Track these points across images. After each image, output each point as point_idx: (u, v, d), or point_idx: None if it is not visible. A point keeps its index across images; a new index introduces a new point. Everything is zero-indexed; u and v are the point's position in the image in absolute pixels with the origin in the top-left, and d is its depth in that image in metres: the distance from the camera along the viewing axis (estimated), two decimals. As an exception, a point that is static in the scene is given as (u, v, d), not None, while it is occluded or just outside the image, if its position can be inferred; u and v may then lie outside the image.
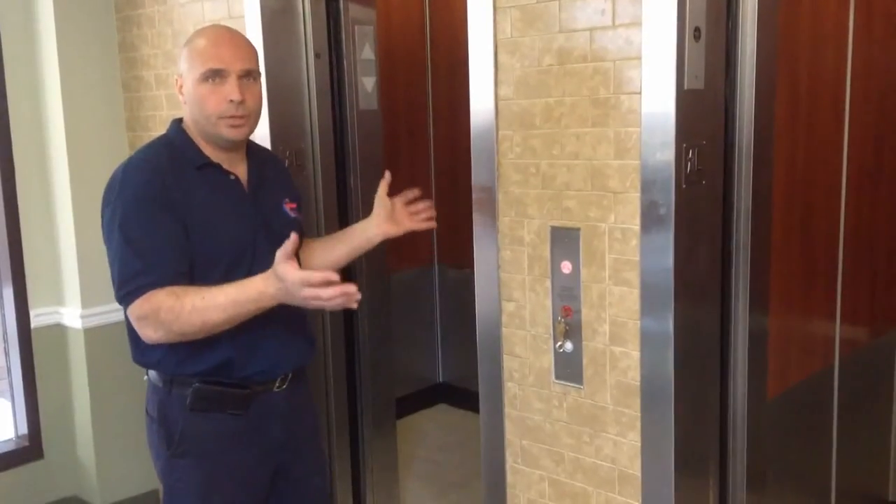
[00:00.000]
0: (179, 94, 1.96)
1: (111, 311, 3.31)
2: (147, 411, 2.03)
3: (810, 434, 2.57)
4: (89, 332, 3.27)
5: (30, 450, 3.35)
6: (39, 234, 3.29)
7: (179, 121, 2.01)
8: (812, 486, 2.62)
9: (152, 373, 1.99)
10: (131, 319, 1.85)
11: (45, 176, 3.28)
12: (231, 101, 1.88)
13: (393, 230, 2.22)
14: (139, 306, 1.80)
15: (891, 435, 2.99)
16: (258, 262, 1.93)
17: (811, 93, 2.30)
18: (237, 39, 1.96)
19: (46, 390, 3.34)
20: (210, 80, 1.88)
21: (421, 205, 2.23)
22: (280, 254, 1.71)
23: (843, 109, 2.46)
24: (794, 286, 2.32)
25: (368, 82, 2.87)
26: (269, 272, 1.74)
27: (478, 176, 2.17)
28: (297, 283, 1.68)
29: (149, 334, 1.83)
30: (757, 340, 2.07)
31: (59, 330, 3.34)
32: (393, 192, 2.24)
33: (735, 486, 2.10)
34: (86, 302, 3.25)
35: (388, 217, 2.20)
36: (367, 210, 2.89)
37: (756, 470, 2.12)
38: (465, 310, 2.56)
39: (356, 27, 2.81)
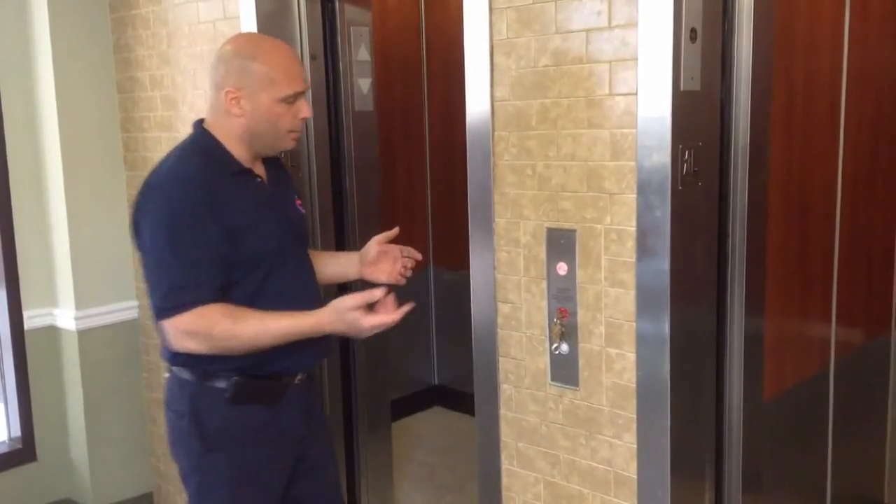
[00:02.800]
0: (234, 107, 1.92)
1: (105, 313, 3.30)
2: (171, 408, 2.03)
3: (806, 436, 2.57)
4: (83, 334, 3.26)
5: (23, 452, 3.33)
6: (33, 236, 3.27)
7: (204, 128, 2.00)
8: (808, 488, 2.61)
9: (180, 369, 1.99)
10: (173, 331, 1.86)
11: (39, 177, 3.27)
12: (302, 118, 1.97)
13: (370, 275, 2.19)
14: (189, 321, 1.83)
15: (886, 437, 2.99)
16: (290, 259, 2.03)
17: (807, 94, 2.30)
18: (298, 56, 2.05)
19: (40, 392, 3.32)
20: (289, 101, 1.93)
21: (409, 263, 2.21)
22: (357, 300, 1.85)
23: (839, 111, 2.46)
24: (789, 288, 2.32)
25: (364, 84, 2.87)
26: (324, 310, 1.88)
27: (473, 177, 2.17)
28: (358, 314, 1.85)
29: (189, 346, 1.86)
30: (753, 342, 2.07)
31: (52, 332, 3.33)
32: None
33: (731, 488, 2.09)
34: (79, 304, 3.24)
35: (373, 261, 2.18)
36: (361, 212, 2.91)
37: (752, 472, 2.12)
38: (461, 312, 2.56)
39: (352, 28, 2.81)
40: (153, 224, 1.87)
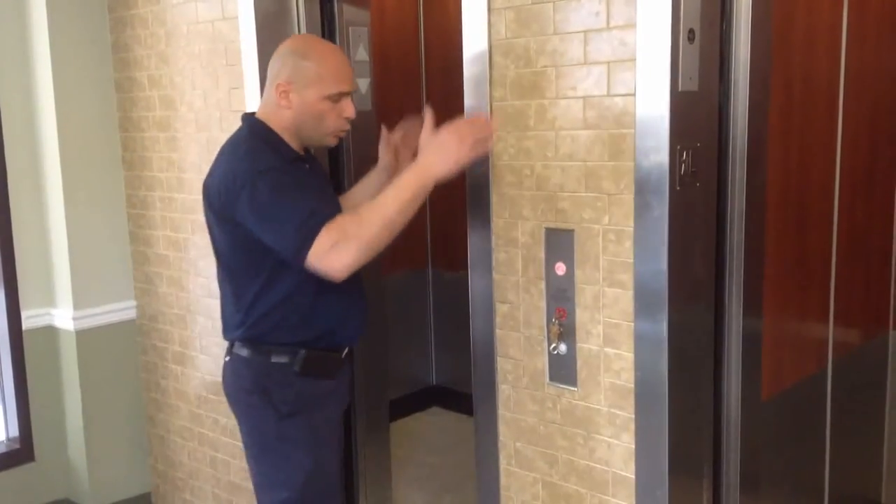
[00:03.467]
0: (283, 99, 2.04)
1: (103, 313, 3.30)
2: (238, 387, 2.13)
3: (804, 436, 2.57)
4: (81, 334, 3.26)
5: (21, 452, 3.33)
6: (31, 235, 3.27)
7: (257, 118, 2.10)
8: (806, 487, 2.62)
9: (243, 349, 2.10)
10: (318, 260, 1.88)
11: (38, 176, 3.27)
12: (346, 117, 2.07)
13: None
14: (326, 236, 1.87)
15: (884, 437, 2.99)
16: None
17: (805, 95, 2.30)
18: (348, 59, 2.14)
19: (38, 392, 3.32)
20: (334, 99, 2.04)
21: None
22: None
23: (837, 112, 2.46)
24: (787, 288, 2.33)
25: (363, 83, 2.87)
26: (417, 160, 1.95)
27: (472, 177, 2.17)
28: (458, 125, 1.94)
29: (339, 262, 1.87)
30: (751, 342, 2.07)
31: (50, 332, 3.33)
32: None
33: (729, 488, 2.10)
34: (77, 303, 3.24)
35: (394, 164, 2.30)
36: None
37: (750, 472, 2.12)
38: (459, 312, 2.56)
39: (350, 28, 2.80)
40: (253, 194, 1.91)
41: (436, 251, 4.47)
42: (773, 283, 2.18)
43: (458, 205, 2.35)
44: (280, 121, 2.07)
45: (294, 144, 2.09)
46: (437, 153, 1.92)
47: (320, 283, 1.98)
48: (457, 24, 2.16)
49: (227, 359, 2.17)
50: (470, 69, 2.12)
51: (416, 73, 4.36)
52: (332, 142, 2.14)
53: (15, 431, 3.34)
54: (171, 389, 3.27)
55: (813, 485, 2.63)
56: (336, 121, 2.07)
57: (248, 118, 2.12)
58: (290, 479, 2.09)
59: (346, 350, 2.20)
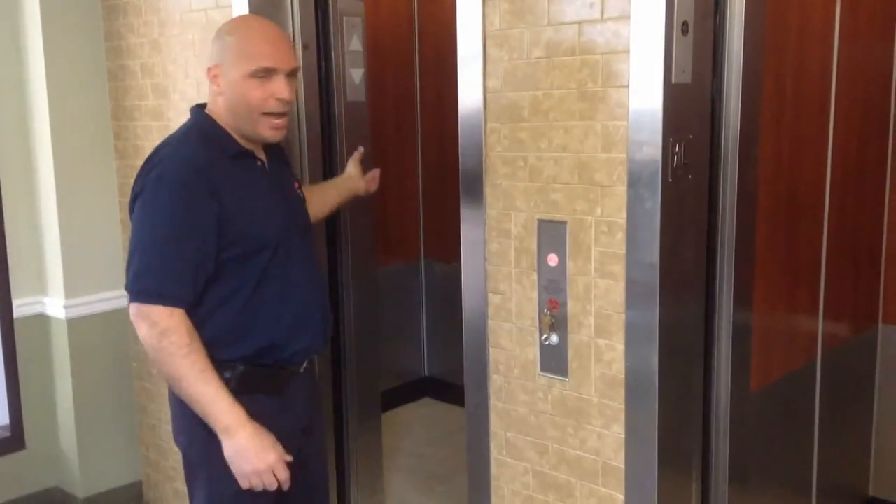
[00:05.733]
0: (214, 84, 1.94)
1: (95, 302, 3.29)
2: (177, 399, 1.97)
3: (793, 428, 2.59)
4: (72, 323, 3.25)
5: (11, 440, 3.32)
6: (23, 223, 3.26)
7: (202, 108, 2.00)
8: (793, 479, 2.64)
9: None
10: (134, 313, 1.83)
11: (29, 164, 3.25)
12: (279, 99, 1.91)
13: (364, 189, 2.61)
14: (159, 314, 1.80)
15: (872, 430, 3.01)
16: (292, 244, 2.02)
17: (797, 89, 2.31)
18: (284, 36, 2.00)
19: (29, 381, 3.31)
20: (259, 76, 1.89)
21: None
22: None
23: (829, 106, 2.47)
24: (778, 281, 2.34)
25: (356, 74, 2.86)
26: (251, 424, 1.84)
27: (465, 168, 2.18)
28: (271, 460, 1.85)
29: (141, 333, 1.82)
30: (740, 334, 2.08)
31: (42, 320, 3.32)
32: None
33: (717, 478, 2.11)
34: (69, 292, 3.23)
35: (361, 178, 2.60)
36: (353, 202, 2.90)
37: (738, 463, 2.14)
38: (451, 304, 2.58)
39: (344, 18, 2.80)
40: (145, 206, 1.85)
41: (428, 242, 4.47)
42: (764, 276, 2.19)
43: (451, 196, 2.36)
44: (220, 109, 1.94)
45: (242, 137, 1.96)
46: (241, 459, 1.84)
47: (260, 290, 1.91)
48: (451, 15, 2.16)
49: None
50: (464, 60, 2.12)
51: (411, 64, 4.35)
52: (269, 133, 1.94)
53: (5, 419, 3.33)
54: (162, 378, 3.27)
55: (801, 476, 2.65)
56: (264, 101, 1.89)
57: (197, 110, 2.00)
58: None
59: (302, 366, 2.05)
